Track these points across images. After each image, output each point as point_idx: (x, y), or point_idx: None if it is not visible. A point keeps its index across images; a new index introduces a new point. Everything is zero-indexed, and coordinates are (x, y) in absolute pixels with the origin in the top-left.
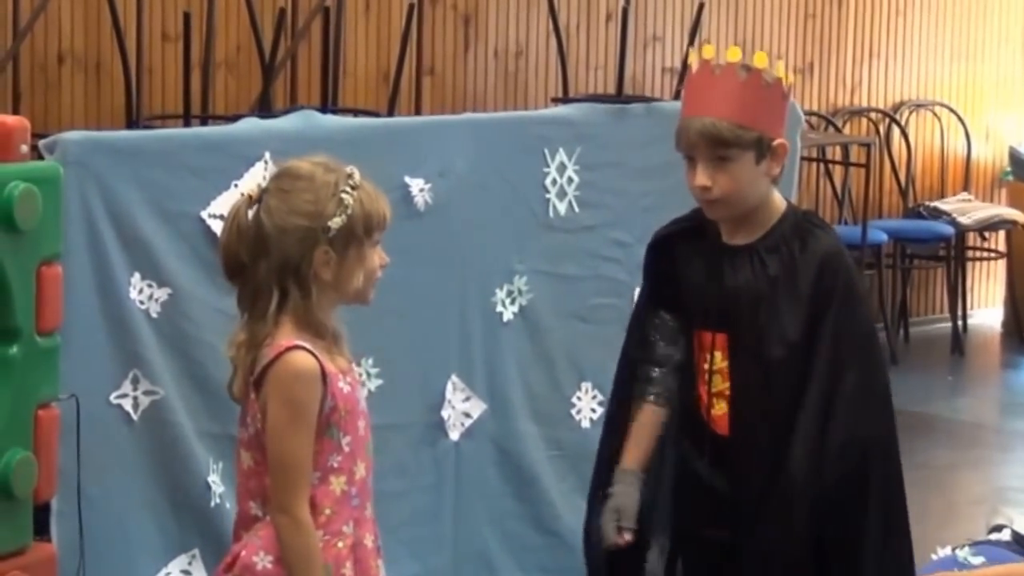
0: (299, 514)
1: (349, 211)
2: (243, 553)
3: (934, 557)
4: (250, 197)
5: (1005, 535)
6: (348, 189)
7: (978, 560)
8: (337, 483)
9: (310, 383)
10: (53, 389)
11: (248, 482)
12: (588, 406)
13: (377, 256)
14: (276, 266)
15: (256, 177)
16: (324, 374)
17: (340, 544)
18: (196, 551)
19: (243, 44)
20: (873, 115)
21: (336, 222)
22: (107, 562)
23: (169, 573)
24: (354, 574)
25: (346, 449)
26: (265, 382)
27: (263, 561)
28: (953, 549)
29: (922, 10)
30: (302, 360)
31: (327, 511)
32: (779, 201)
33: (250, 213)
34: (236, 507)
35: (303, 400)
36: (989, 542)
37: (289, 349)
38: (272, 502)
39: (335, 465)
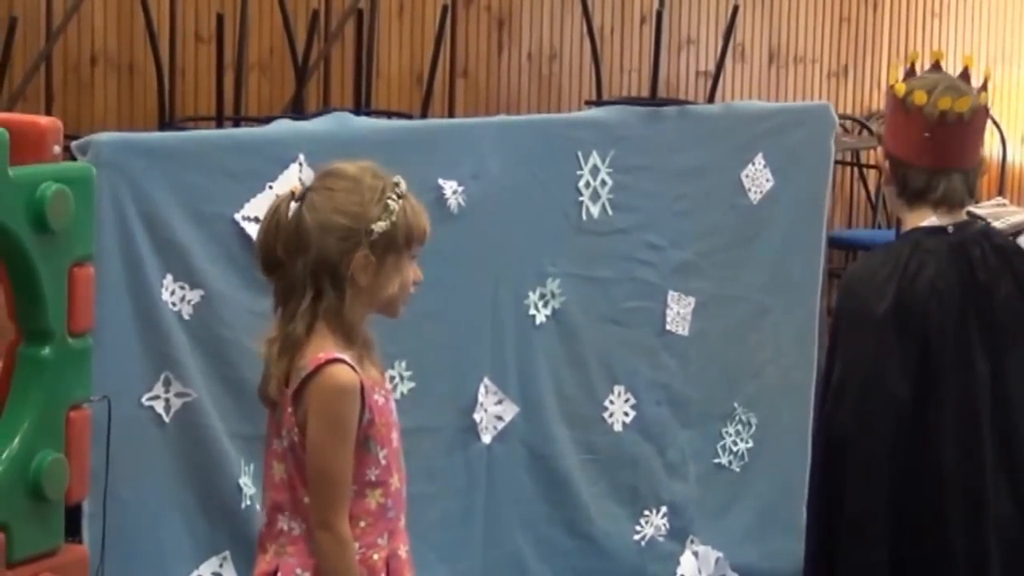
0: (341, 530)
1: (394, 217)
2: (280, 574)
3: None
4: (292, 193)
5: None
6: (394, 196)
7: None
8: (373, 496)
9: (351, 398)
10: (85, 391)
11: (279, 495)
12: (621, 409)
13: (412, 271)
14: (313, 264)
15: (291, 179)
16: (362, 387)
17: (376, 556)
18: (227, 553)
19: (276, 46)
20: None
21: (380, 226)
22: (139, 563)
23: (200, 574)
24: None
25: (383, 462)
26: (305, 395)
27: None
28: None
29: (958, 12)
30: (344, 374)
31: (362, 523)
32: None
33: (292, 209)
34: (264, 517)
35: (345, 415)
36: None
37: (330, 362)
38: (314, 518)
39: (372, 479)
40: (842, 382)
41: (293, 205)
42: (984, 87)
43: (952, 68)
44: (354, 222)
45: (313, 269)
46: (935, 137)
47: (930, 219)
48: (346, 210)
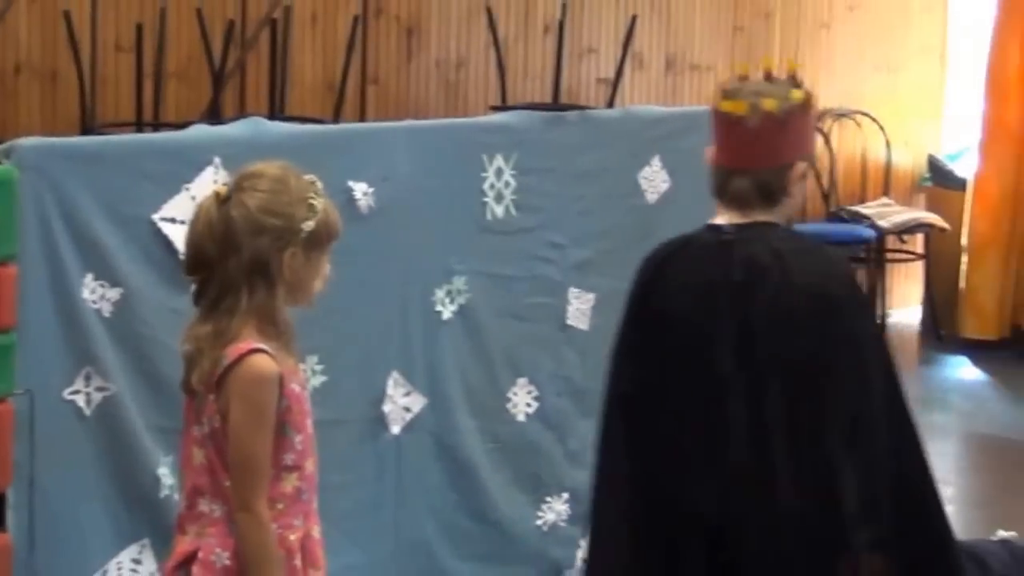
0: (260, 511)
1: (319, 216)
2: (200, 554)
3: None
4: (217, 195)
5: None
6: (315, 196)
7: None
8: (290, 480)
9: (271, 386)
10: (8, 385)
11: (199, 479)
12: (523, 401)
13: (326, 265)
14: (246, 263)
15: (206, 181)
16: (280, 377)
17: (292, 537)
18: (147, 540)
19: (194, 54)
20: None
21: (308, 225)
22: (61, 551)
23: (120, 562)
24: (303, 564)
25: (299, 448)
26: (226, 384)
27: (220, 559)
28: None
29: (845, 23)
30: (265, 364)
31: (279, 506)
32: None
33: (220, 211)
34: (182, 501)
35: (265, 402)
36: None
37: (251, 352)
38: (234, 500)
39: (289, 463)
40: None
41: (222, 208)
42: (788, 96)
43: (841, 76)
44: (284, 222)
45: (246, 267)
46: (720, 138)
47: (718, 217)
48: (276, 210)
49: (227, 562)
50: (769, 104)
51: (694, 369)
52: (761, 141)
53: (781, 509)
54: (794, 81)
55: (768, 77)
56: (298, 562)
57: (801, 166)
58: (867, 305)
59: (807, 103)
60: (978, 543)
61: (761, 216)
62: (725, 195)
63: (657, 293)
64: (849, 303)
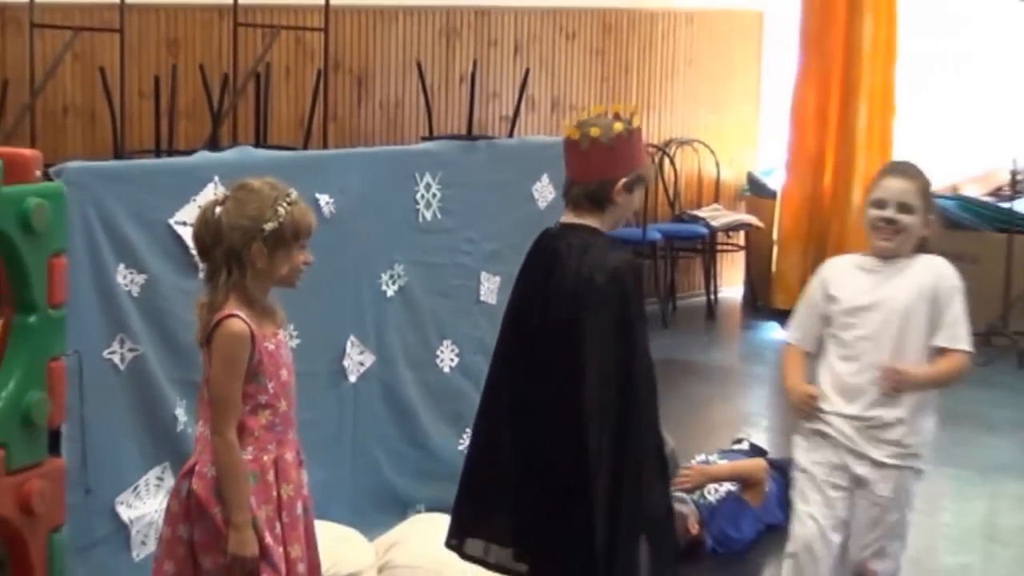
0: (229, 436)
1: (281, 220)
2: (197, 467)
3: (692, 462)
4: (216, 200)
5: (744, 446)
6: (285, 204)
7: (722, 460)
8: (263, 415)
9: (241, 342)
10: (61, 347)
11: (203, 410)
12: (448, 358)
13: (303, 255)
14: (225, 251)
15: (208, 194)
16: (253, 336)
17: (265, 457)
18: (167, 463)
19: (198, 99)
20: (651, 149)
21: (269, 226)
22: (103, 471)
23: (148, 479)
24: (275, 478)
25: (270, 391)
26: (212, 340)
27: (210, 471)
28: (706, 455)
29: (686, 74)
30: (236, 325)
31: (256, 434)
32: None
33: (216, 211)
34: (198, 428)
35: (235, 354)
36: (732, 451)
37: (228, 317)
38: (211, 427)
39: (262, 402)
40: None
41: (217, 209)
42: (611, 128)
43: (682, 114)
44: (252, 223)
45: (225, 255)
46: (566, 158)
47: (562, 216)
48: (247, 214)
49: (213, 474)
50: (595, 132)
51: (517, 322)
52: (590, 160)
53: (550, 407)
54: (618, 117)
55: (612, 115)
56: (271, 477)
57: (624, 181)
58: (624, 292)
59: (629, 133)
60: (782, 459)
61: (590, 218)
62: (567, 200)
63: (520, 268)
64: (604, 288)
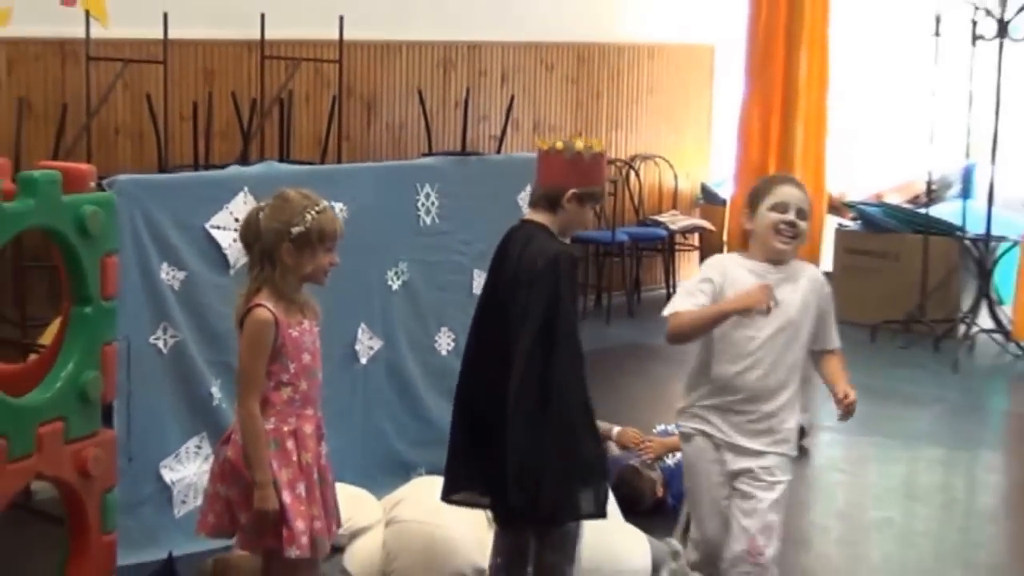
0: (252, 409)
1: (307, 225)
2: (233, 435)
3: (653, 432)
4: (259, 207)
5: None
6: (313, 212)
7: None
8: (285, 391)
9: (265, 327)
10: (113, 333)
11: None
12: (445, 342)
13: (328, 257)
14: (261, 250)
15: (239, 203)
16: (277, 323)
17: (286, 428)
18: (204, 434)
19: (230, 121)
20: (619, 163)
21: (296, 229)
22: (148, 441)
23: (188, 447)
24: (295, 448)
25: (292, 371)
26: (243, 324)
27: (241, 440)
28: (665, 426)
29: (649, 101)
30: (262, 313)
31: (278, 407)
32: None
33: (258, 215)
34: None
35: (260, 337)
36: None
37: (257, 306)
38: (237, 401)
39: (284, 380)
40: None
41: (258, 214)
42: (572, 145)
43: (646, 133)
44: (283, 226)
45: (260, 253)
46: (537, 164)
47: (527, 213)
48: (280, 218)
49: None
50: (560, 146)
51: (480, 304)
52: (551, 167)
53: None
54: (583, 139)
55: (584, 140)
56: (290, 445)
57: (575, 191)
58: (557, 272)
59: (591, 156)
60: None
61: (544, 216)
62: (531, 198)
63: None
64: (542, 270)
